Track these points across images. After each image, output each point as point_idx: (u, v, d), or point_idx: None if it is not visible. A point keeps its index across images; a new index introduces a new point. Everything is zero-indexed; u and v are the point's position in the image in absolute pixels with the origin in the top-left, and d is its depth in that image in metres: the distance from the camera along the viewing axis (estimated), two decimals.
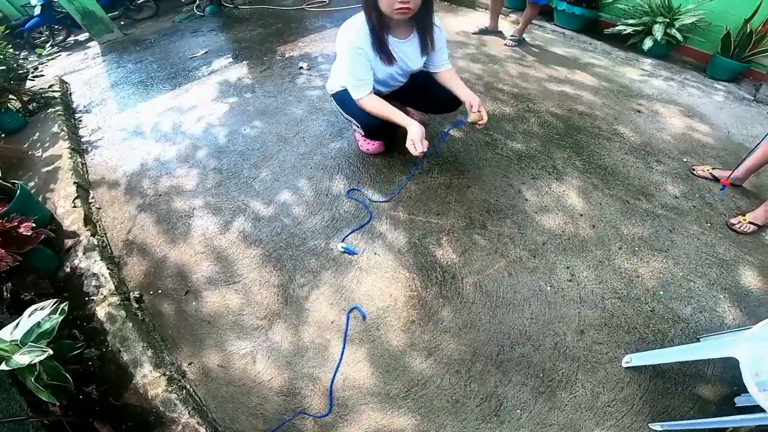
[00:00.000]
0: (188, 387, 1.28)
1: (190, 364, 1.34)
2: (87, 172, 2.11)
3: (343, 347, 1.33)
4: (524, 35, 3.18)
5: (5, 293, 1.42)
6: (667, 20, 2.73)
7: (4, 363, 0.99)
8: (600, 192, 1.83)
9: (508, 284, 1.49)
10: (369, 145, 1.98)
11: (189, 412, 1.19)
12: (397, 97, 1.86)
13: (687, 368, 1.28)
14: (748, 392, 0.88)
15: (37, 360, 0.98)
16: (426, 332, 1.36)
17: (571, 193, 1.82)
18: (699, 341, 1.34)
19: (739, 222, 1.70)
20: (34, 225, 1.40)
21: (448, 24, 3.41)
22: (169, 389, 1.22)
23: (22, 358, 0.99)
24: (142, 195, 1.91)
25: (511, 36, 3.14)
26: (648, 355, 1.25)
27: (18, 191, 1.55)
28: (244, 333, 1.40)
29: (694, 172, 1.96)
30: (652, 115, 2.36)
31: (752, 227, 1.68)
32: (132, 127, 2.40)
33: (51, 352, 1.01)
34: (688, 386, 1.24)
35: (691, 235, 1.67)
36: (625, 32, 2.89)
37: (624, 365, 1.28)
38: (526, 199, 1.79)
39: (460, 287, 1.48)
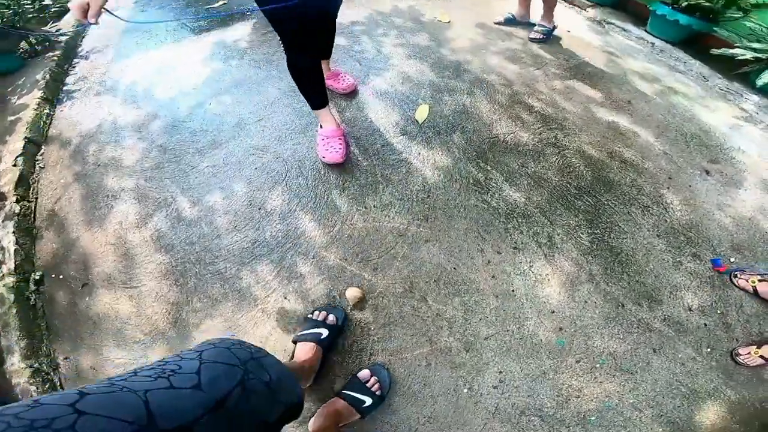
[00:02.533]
0: (57, 380, 1.26)
1: (66, 358, 1.31)
2: (50, 125, 2.00)
3: None
4: (554, 23, 2.37)
5: None
6: None
7: None
8: (593, 286, 1.39)
9: (422, 375, 1.23)
10: (328, 154, 1.63)
11: None
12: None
13: None
14: None
15: None
16: (307, 401, 1.17)
17: (554, 280, 1.40)
18: None
19: (749, 354, 1.28)
20: None
21: (479, 11, 2.69)
22: (31, 381, 1.22)
23: None
24: (83, 161, 1.79)
25: (539, 24, 2.36)
26: None
27: None
28: (124, 343, 1.31)
29: (735, 280, 1.43)
30: (723, 182, 1.72)
31: (760, 361, 1.26)
32: (111, 81, 2.22)
33: None
34: None
35: (677, 359, 1.28)
36: (740, 57, 2.05)
37: None
38: (493, 277, 1.40)
39: (363, 363, 1.24)
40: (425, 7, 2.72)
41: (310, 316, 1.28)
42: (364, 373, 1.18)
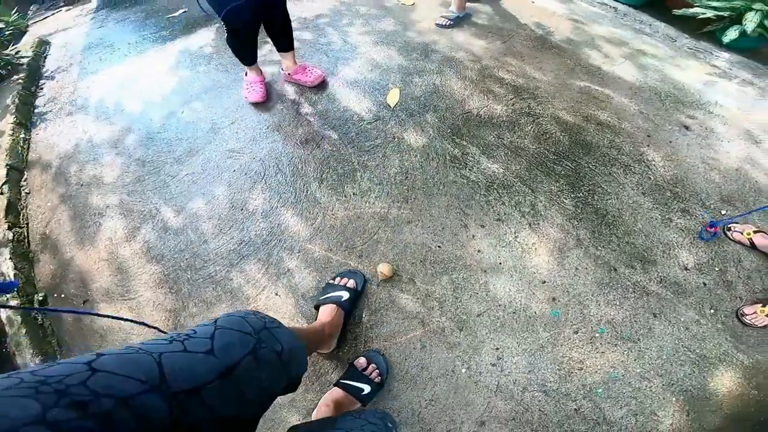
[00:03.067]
0: None
1: None
2: (28, 149, 2.01)
3: None
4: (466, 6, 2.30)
5: None
6: (767, 7, 1.85)
7: None
8: (582, 251, 1.39)
9: (418, 358, 1.24)
10: (250, 94, 1.89)
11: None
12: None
13: None
14: None
15: None
16: (309, 391, 1.20)
17: (542, 249, 1.40)
18: None
19: (755, 313, 1.24)
20: None
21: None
22: None
23: None
24: (66, 183, 1.80)
25: (448, 11, 2.29)
26: None
27: None
28: None
29: (730, 233, 1.41)
30: (704, 136, 1.71)
31: None
32: (81, 99, 2.21)
33: None
34: None
35: (680, 323, 1.26)
36: (702, 16, 2.02)
37: None
38: (479, 251, 1.41)
39: (360, 350, 1.25)
40: None
41: (331, 281, 1.31)
42: (360, 361, 1.19)
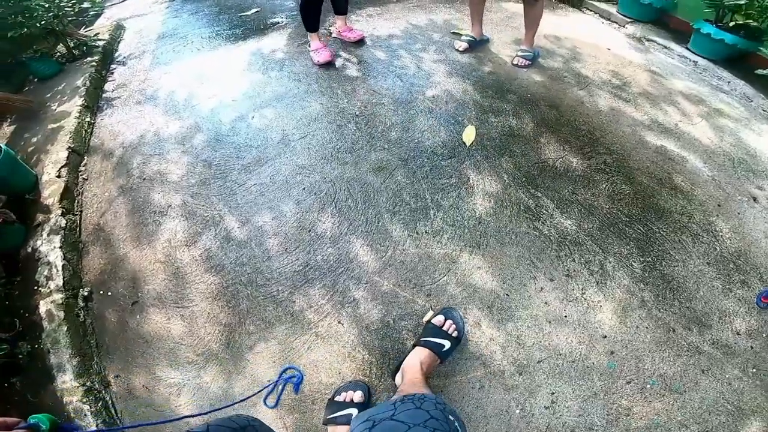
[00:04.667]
0: (108, 398, 1.32)
1: (117, 376, 1.37)
2: (91, 134, 2.08)
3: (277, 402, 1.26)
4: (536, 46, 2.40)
5: None
6: None
7: None
8: (645, 312, 1.45)
9: (475, 397, 1.28)
10: (318, 57, 2.33)
11: (97, 425, 1.23)
12: None
13: None
14: None
15: None
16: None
17: (606, 306, 1.45)
18: None
19: None
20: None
21: (514, 27, 2.69)
22: (84, 400, 1.27)
23: None
24: (128, 174, 1.86)
25: (522, 50, 2.38)
26: None
27: (0, 154, 1.56)
28: (176, 363, 1.37)
29: None
30: None
31: None
32: (151, 90, 2.30)
33: None
34: None
35: (724, 379, 1.33)
36: None
37: None
38: (546, 303, 1.46)
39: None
40: (461, 23, 2.81)
41: (336, 398, 1.26)
42: (438, 319, 1.28)
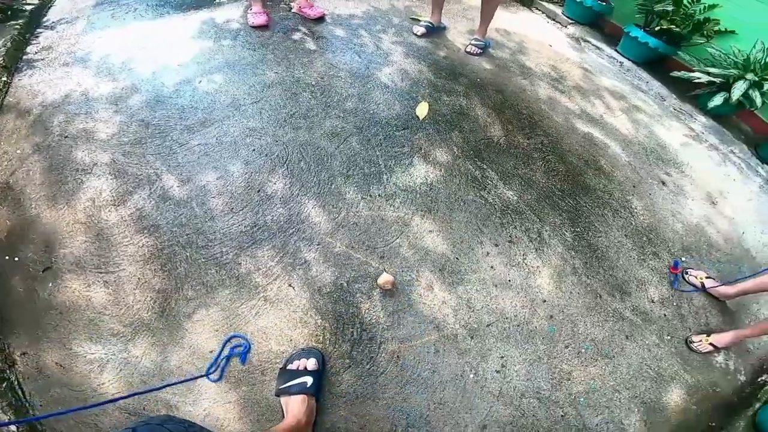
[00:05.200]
0: (13, 379, 1.10)
1: (23, 354, 1.14)
2: (6, 93, 1.75)
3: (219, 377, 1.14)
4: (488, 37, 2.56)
5: None
6: (757, 79, 2.24)
7: None
8: (576, 278, 1.56)
9: (431, 362, 1.27)
10: (254, 19, 2.26)
11: (1, 408, 1.02)
12: None
13: None
14: None
15: None
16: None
17: (544, 272, 1.54)
18: None
19: (700, 341, 1.54)
20: None
21: (471, 18, 2.84)
22: None
23: None
24: (46, 132, 1.60)
25: (475, 39, 2.52)
26: None
27: None
28: (98, 336, 1.18)
29: (687, 276, 1.70)
30: (676, 192, 2.02)
31: (710, 348, 1.53)
32: (83, 53, 2.00)
33: None
34: None
35: (645, 345, 1.49)
36: (697, 80, 2.41)
37: None
38: (492, 267, 1.50)
39: (375, 352, 1.25)
40: (420, 9, 2.85)
41: (288, 367, 1.17)
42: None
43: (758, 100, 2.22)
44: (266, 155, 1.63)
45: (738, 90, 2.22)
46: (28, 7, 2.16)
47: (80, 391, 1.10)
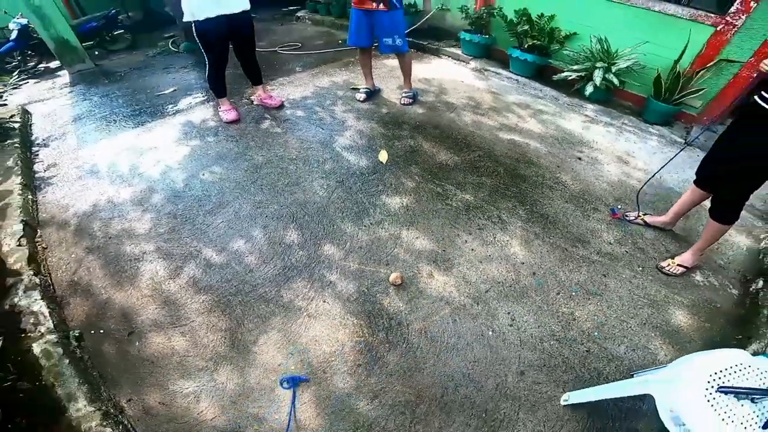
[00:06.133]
0: (126, 422, 1.40)
1: (129, 400, 1.47)
2: (37, 210, 2.25)
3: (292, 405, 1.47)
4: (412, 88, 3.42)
5: None
6: (606, 65, 3.15)
7: None
8: (541, 241, 2.13)
9: (453, 330, 1.71)
10: (226, 116, 2.98)
11: None
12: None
13: (623, 404, 1.49)
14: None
15: None
16: (372, 375, 1.54)
17: (514, 242, 2.11)
18: (633, 377, 1.49)
19: (669, 264, 1.98)
20: None
21: (395, 78, 3.79)
22: (104, 423, 1.33)
23: None
24: (91, 237, 2.06)
25: (405, 92, 3.39)
26: (583, 394, 1.45)
27: None
28: (188, 373, 1.54)
29: (627, 218, 2.26)
30: (592, 163, 2.76)
31: (681, 269, 1.96)
32: (89, 165, 2.58)
33: None
34: (625, 422, 1.45)
35: (623, 278, 1.95)
36: (570, 78, 3.36)
37: (563, 403, 1.48)
38: (472, 249, 2.05)
39: (406, 333, 1.68)
40: (356, 80, 3.74)
41: None
42: None
43: (616, 81, 3.11)
44: (277, 218, 2.18)
45: (597, 77, 3.15)
46: (15, 125, 2.63)
47: (185, 422, 1.42)
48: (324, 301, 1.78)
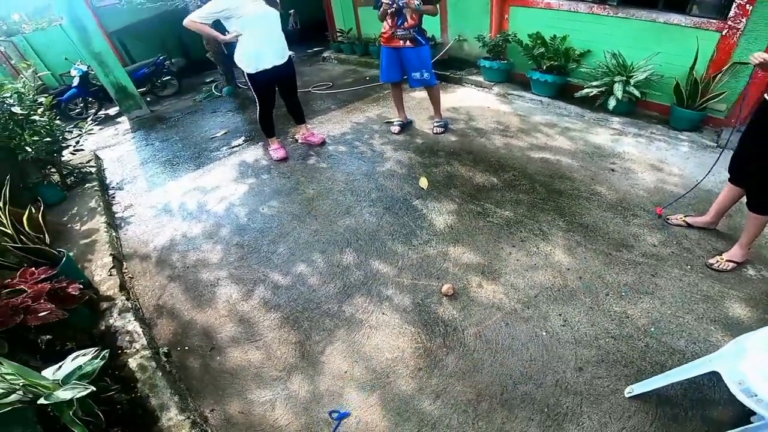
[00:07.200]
0: (209, 430, 1.63)
1: (212, 410, 1.73)
2: (121, 245, 2.72)
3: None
4: (443, 117, 3.82)
5: (41, 344, 1.80)
6: (624, 78, 3.43)
7: (43, 398, 1.29)
8: (583, 248, 2.32)
9: (506, 333, 1.90)
10: (275, 154, 3.46)
11: None
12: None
13: (692, 393, 1.58)
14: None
15: (79, 395, 1.31)
16: (432, 377, 1.74)
17: (557, 251, 2.32)
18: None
19: (717, 261, 2.10)
20: (81, 287, 1.90)
21: (425, 109, 4.22)
22: (192, 431, 1.56)
23: (64, 394, 1.31)
24: (171, 267, 2.47)
25: (436, 122, 3.79)
26: (647, 383, 1.55)
27: (64, 258, 2.08)
28: (264, 383, 1.80)
29: (669, 222, 2.42)
30: (625, 172, 2.97)
31: (731, 264, 2.07)
32: (161, 205, 3.10)
33: (93, 388, 1.34)
34: (699, 410, 1.53)
35: (673, 277, 2.08)
36: (591, 94, 3.66)
37: (627, 395, 1.59)
38: (517, 260, 2.27)
39: (461, 337, 1.89)
40: (388, 113, 4.24)
41: None
42: None
43: (637, 92, 3.39)
44: (333, 243, 2.52)
45: (618, 91, 3.44)
46: (92, 170, 3.18)
47: (262, 429, 1.64)
48: (383, 313, 2.04)
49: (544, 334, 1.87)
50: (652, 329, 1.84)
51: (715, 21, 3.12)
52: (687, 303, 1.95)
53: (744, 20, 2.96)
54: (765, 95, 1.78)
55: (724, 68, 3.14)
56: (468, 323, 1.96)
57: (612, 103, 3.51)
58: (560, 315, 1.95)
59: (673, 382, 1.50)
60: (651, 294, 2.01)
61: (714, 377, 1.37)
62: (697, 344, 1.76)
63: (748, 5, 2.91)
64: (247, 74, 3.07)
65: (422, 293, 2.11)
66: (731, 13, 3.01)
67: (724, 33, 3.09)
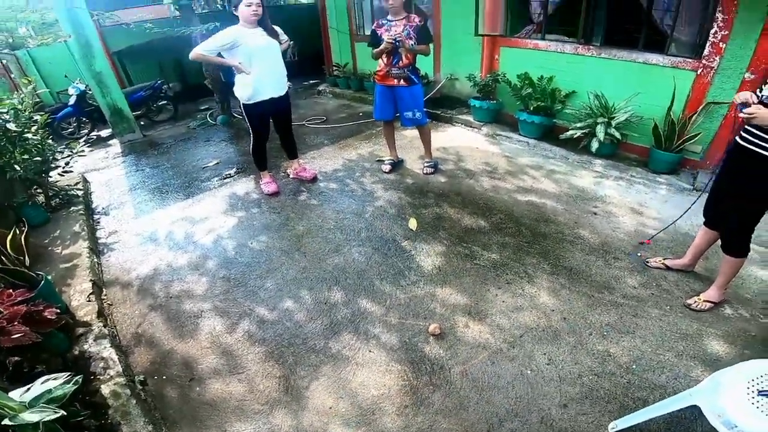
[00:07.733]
0: None
1: None
2: (102, 271, 2.75)
3: None
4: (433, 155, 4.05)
5: (9, 365, 1.79)
6: (606, 120, 3.69)
7: (8, 419, 1.31)
8: (567, 290, 2.47)
9: (492, 371, 1.99)
10: (266, 188, 3.56)
11: None
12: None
13: (674, 427, 1.68)
14: None
15: (47, 419, 1.31)
16: (419, 414, 1.80)
17: (542, 293, 2.45)
18: None
19: (695, 301, 2.26)
20: (58, 311, 1.93)
21: (415, 149, 4.41)
22: None
23: (30, 416, 1.32)
24: (153, 296, 2.52)
25: (426, 162, 4.03)
26: (630, 418, 1.64)
27: (42, 281, 2.11)
28: (245, 416, 1.83)
29: (648, 264, 2.61)
30: (607, 216, 3.18)
31: (709, 305, 2.23)
32: (147, 233, 3.17)
33: (64, 413, 1.33)
34: None
35: (653, 317, 2.23)
36: (575, 136, 3.93)
37: (611, 430, 1.67)
38: (503, 301, 2.40)
39: (448, 375, 1.97)
40: (380, 151, 4.47)
41: None
42: None
43: (617, 134, 3.66)
44: (321, 280, 2.61)
45: (600, 133, 3.71)
46: (79, 192, 3.19)
47: None
48: (370, 351, 2.10)
49: (530, 372, 1.97)
50: (634, 366, 1.97)
51: (690, 60, 3.38)
52: (667, 341, 2.10)
53: (717, 58, 3.20)
54: (736, 137, 1.97)
55: (699, 108, 3.39)
56: (454, 362, 2.04)
57: (595, 145, 3.78)
58: (545, 354, 2.06)
59: (656, 416, 1.60)
60: (632, 333, 2.15)
61: (695, 411, 1.47)
62: (678, 380, 1.89)
63: (721, 43, 3.15)
64: (243, 104, 3.26)
65: (409, 332, 2.20)
66: (705, 52, 3.25)
67: (699, 72, 3.34)
